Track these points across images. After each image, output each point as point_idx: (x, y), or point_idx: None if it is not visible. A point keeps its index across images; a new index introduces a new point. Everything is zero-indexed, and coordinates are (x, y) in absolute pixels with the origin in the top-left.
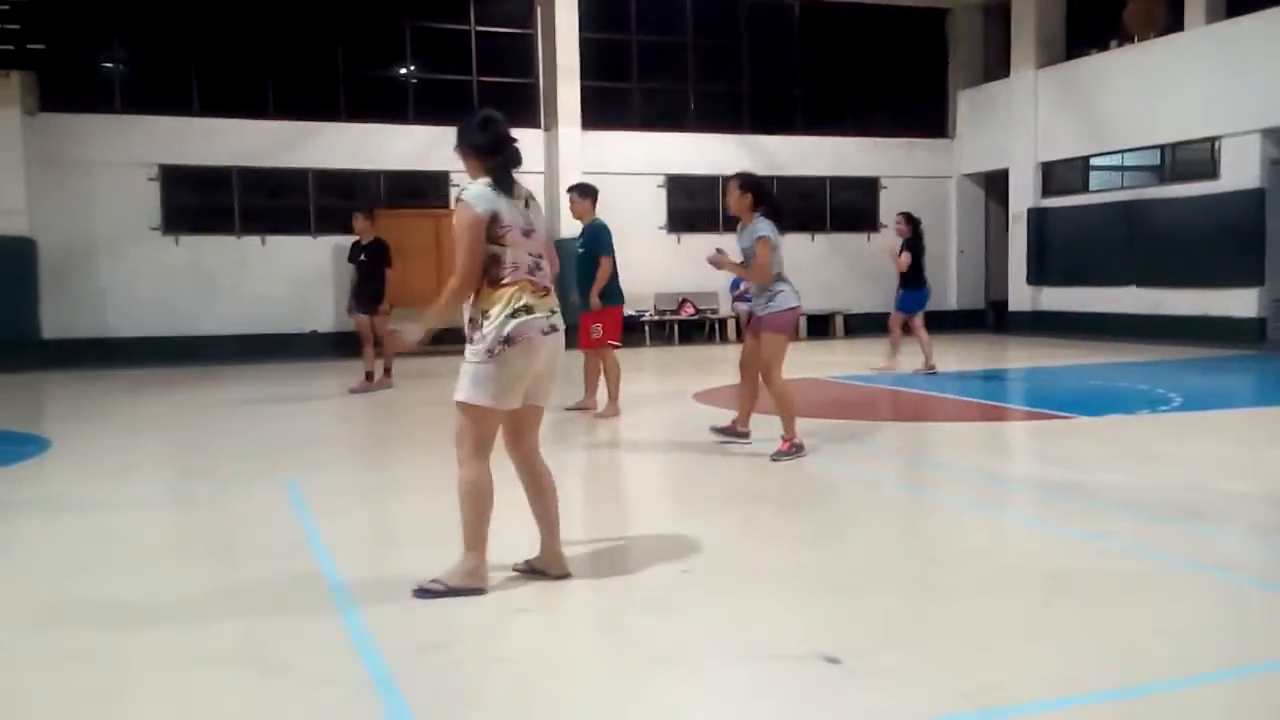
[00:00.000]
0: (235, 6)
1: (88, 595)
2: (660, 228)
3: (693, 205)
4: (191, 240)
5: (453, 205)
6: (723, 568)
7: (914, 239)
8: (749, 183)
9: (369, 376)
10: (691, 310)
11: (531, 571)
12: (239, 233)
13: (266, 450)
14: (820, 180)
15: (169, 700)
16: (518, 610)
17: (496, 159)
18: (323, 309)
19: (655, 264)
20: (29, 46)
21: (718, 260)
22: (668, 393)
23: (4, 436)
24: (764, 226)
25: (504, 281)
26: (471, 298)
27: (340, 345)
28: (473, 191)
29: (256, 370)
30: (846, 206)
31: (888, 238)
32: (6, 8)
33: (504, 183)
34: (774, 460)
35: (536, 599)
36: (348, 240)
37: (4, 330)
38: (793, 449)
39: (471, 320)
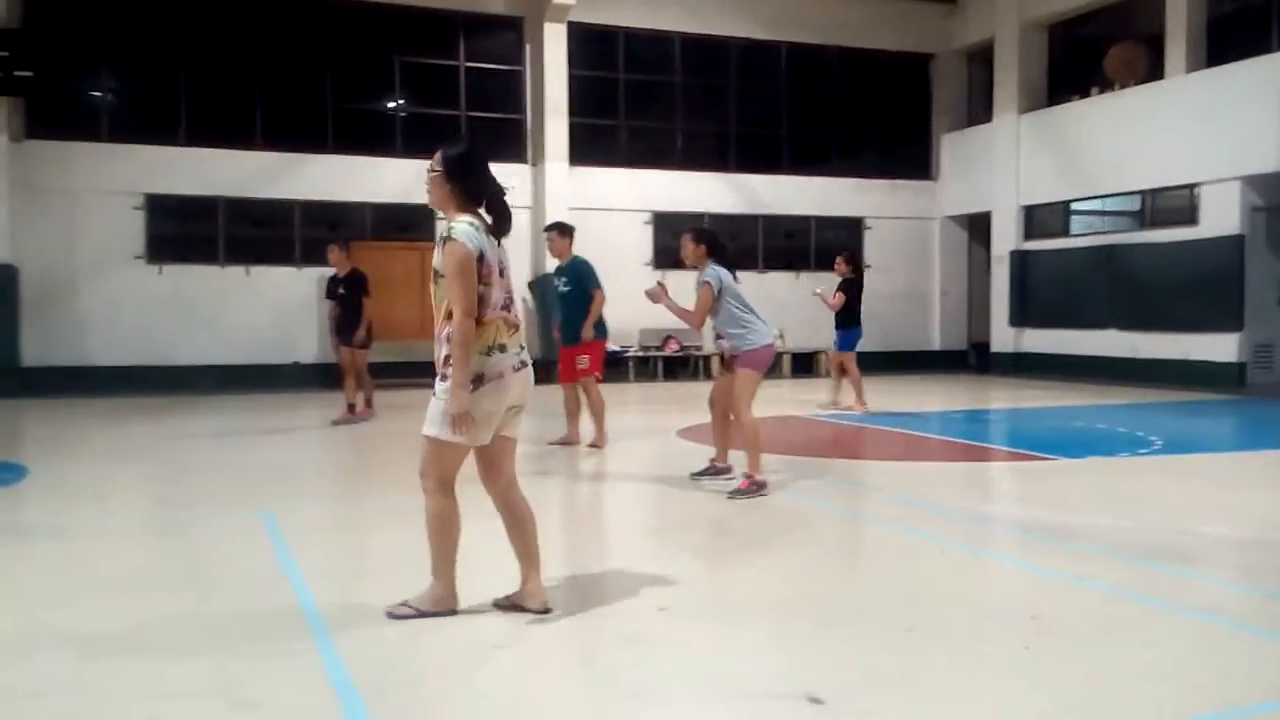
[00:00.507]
0: (224, 36)
1: (60, 625)
2: (646, 264)
3: (678, 242)
4: (175, 269)
5: (438, 240)
6: (703, 604)
7: (854, 279)
8: (701, 235)
9: (351, 408)
10: (676, 347)
11: (513, 606)
12: (223, 262)
13: (246, 481)
14: (805, 220)
15: None
16: (494, 646)
17: (486, 210)
18: (306, 340)
19: (640, 300)
20: (16, 73)
21: (656, 294)
22: (652, 429)
23: None
24: (709, 273)
25: (484, 319)
26: (445, 335)
27: (323, 376)
28: (461, 230)
29: (238, 401)
30: (831, 246)
31: (813, 284)
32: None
33: (496, 230)
34: (731, 498)
35: (513, 634)
36: (332, 272)
37: None
38: (753, 486)
39: (447, 357)
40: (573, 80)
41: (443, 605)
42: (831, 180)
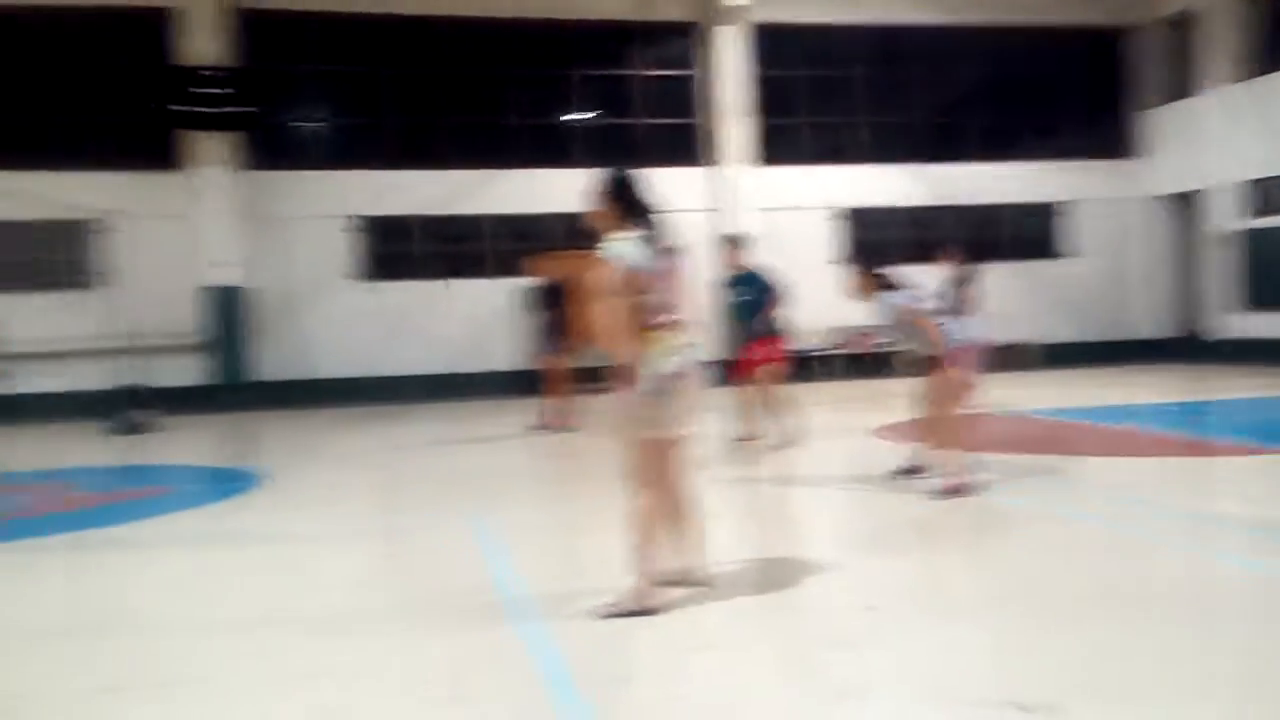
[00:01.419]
0: (418, 65)
1: (295, 623)
2: (832, 261)
3: (866, 238)
4: (382, 286)
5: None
6: (908, 604)
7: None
8: (869, 271)
9: (552, 415)
10: (870, 343)
11: (676, 582)
12: (424, 277)
13: (455, 486)
14: (999, 208)
15: None
16: (701, 645)
17: (640, 224)
18: (499, 348)
19: (828, 298)
20: (240, 110)
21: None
22: (847, 427)
23: (220, 473)
24: (899, 298)
25: (655, 323)
26: (624, 345)
27: (517, 384)
28: (617, 249)
29: (442, 408)
30: (1027, 233)
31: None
32: (222, 75)
33: (650, 239)
34: (933, 498)
35: (719, 633)
36: (523, 282)
37: (221, 373)
38: (956, 486)
39: (632, 366)
40: (752, 80)
41: (647, 604)
42: (1024, 165)
